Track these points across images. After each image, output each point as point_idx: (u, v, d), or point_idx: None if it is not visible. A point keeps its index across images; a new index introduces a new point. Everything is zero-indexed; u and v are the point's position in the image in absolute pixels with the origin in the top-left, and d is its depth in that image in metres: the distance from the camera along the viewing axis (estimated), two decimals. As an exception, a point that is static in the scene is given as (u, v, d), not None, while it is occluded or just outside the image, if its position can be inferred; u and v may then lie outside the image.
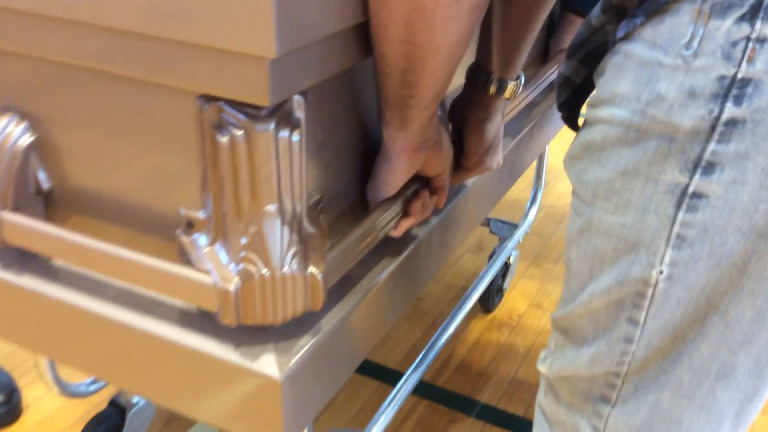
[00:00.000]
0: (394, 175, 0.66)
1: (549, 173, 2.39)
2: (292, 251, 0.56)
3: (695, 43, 0.48)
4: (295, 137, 0.54)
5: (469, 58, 0.81)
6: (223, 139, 0.53)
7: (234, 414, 0.60)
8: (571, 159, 0.60)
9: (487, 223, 1.70)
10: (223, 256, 0.56)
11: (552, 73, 1.16)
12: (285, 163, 0.54)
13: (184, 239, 0.59)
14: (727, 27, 0.47)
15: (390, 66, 0.56)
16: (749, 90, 0.47)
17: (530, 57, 1.17)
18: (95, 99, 0.60)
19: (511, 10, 0.75)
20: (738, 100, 0.47)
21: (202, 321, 0.61)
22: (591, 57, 0.58)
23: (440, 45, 0.54)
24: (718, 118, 0.48)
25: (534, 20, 0.76)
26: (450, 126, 0.81)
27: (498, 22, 0.75)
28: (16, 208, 0.64)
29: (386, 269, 0.70)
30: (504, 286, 1.75)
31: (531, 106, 1.15)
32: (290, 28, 0.47)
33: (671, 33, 0.49)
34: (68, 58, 0.57)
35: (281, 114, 0.53)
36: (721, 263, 0.52)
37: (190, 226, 0.59)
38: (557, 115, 1.21)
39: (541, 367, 0.69)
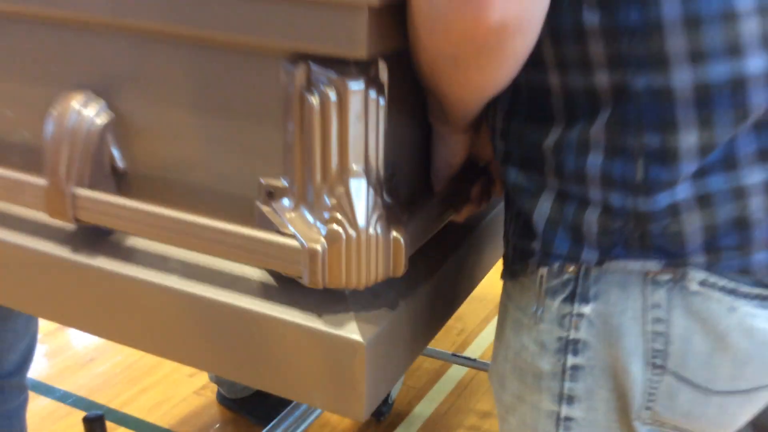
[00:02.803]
0: (449, 155, 0.68)
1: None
2: (376, 214, 0.57)
3: (539, 313, 0.62)
4: (382, 100, 0.55)
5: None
6: (314, 100, 0.54)
7: (308, 384, 0.59)
8: (489, 376, 0.71)
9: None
10: (309, 219, 0.57)
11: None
12: (373, 124, 0.55)
13: (265, 208, 0.59)
14: (556, 305, 0.60)
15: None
16: (580, 346, 0.60)
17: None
18: (170, 69, 0.61)
19: None
20: (575, 353, 0.60)
21: (283, 293, 0.61)
22: None
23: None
24: (564, 365, 0.61)
25: None
26: None
27: None
28: (91, 186, 0.64)
29: (451, 255, 0.71)
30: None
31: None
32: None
33: (527, 301, 0.63)
34: (141, 21, 0.59)
35: (370, 74, 0.55)
36: None
37: (270, 195, 0.60)
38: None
39: None
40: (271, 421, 1.63)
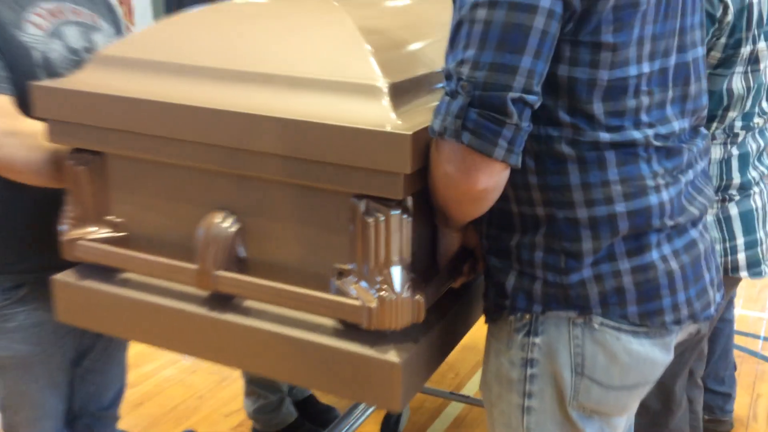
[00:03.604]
0: (448, 245, 1.07)
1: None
2: (407, 285, 0.96)
3: (510, 343, 1.01)
4: (409, 219, 0.95)
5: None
6: (371, 220, 0.94)
7: (365, 389, 0.97)
8: (481, 386, 1.10)
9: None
10: (366, 288, 0.96)
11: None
12: (405, 233, 0.95)
13: (337, 282, 0.98)
14: (520, 338, 0.99)
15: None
16: (534, 362, 0.99)
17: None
18: (277, 199, 1.01)
19: None
20: (531, 366, 0.99)
21: (348, 333, 0.99)
22: None
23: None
24: (526, 374, 1.00)
25: None
26: None
27: None
28: (225, 269, 1.03)
29: (452, 307, 1.10)
30: None
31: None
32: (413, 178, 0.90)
33: (502, 336, 1.03)
34: (267, 175, 0.99)
35: (403, 205, 0.94)
36: None
37: (341, 274, 0.99)
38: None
39: None
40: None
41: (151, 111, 1.03)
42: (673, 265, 0.95)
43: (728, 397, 2.27)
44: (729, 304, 2.20)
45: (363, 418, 2.08)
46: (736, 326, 2.90)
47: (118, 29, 1.45)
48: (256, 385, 2.12)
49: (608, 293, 0.94)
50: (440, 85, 0.91)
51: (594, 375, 0.97)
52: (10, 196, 1.29)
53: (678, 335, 1.01)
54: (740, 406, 2.38)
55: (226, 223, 1.04)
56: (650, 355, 0.97)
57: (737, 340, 2.81)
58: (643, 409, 1.61)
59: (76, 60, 1.31)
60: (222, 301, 1.07)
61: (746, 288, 3.28)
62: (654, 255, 0.94)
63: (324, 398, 2.38)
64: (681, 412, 1.68)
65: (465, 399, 2.25)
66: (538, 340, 0.98)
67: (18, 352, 1.37)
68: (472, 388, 2.50)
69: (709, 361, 2.17)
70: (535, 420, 1.00)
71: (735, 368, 2.29)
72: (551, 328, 0.97)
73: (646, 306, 0.95)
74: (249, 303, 1.06)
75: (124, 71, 1.09)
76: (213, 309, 1.06)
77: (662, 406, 1.62)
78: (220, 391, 2.53)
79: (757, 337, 2.87)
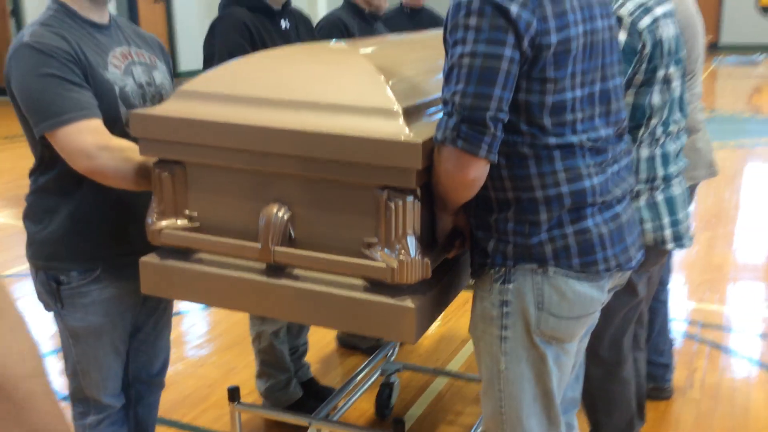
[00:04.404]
0: (445, 226, 1.45)
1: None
2: (418, 251, 1.33)
3: (491, 289, 1.39)
4: (419, 203, 1.33)
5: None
6: (392, 204, 1.31)
7: (389, 329, 1.34)
8: (470, 327, 1.46)
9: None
10: (389, 254, 1.33)
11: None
12: (416, 213, 1.32)
13: (367, 251, 1.35)
14: (498, 285, 1.37)
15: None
16: (508, 302, 1.37)
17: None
18: (321, 193, 1.38)
19: None
20: (506, 306, 1.37)
21: (374, 288, 1.36)
22: None
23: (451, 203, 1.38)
24: (503, 312, 1.38)
25: None
26: None
27: None
28: (281, 245, 1.40)
29: (448, 273, 1.48)
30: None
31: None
32: (426, 157, 1.28)
33: (485, 285, 1.41)
34: (313, 175, 1.36)
35: (415, 194, 1.32)
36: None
37: (369, 245, 1.36)
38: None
39: None
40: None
41: (222, 129, 1.39)
42: (603, 230, 1.35)
43: (667, 367, 2.67)
44: (664, 289, 2.61)
45: (360, 392, 2.44)
46: (682, 315, 3.35)
47: (169, 67, 1.82)
48: (267, 367, 2.46)
49: (559, 250, 1.33)
50: (439, 107, 1.29)
51: (550, 309, 1.35)
52: (91, 199, 1.63)
53: (609, 281, 1.40)
54: (680, 378, 2.79)
55: (280, 212, 1.40)
56: (588, 294, 1.36)
57: (681, 326, 3.25)
58: (599, 360, 2.02)
59: (142, 92, 1.67)
60: (277, 270, 1.43)
61: (690, 285, 3.74)
62: (590, 222, 1.34)
63: (323, 380, 2.73)
64: (629, 366, 2.08)
65: (447, 373, 2.62)
66: (510, 286, 1.36)
67: (91, 323, 1.70)
68: (452, 368, 2.88)
69: (650, 336, 2.58)
70: (510, 346, 1.38)
71: (672, 344, 2.70)
72: (520, 277, 1.36)
73: (585, 258, 1.34)
74: (298, 271, 1.42)
75: (199, 101, 1.45)
76: (270, 276, 1.42)
77: (614, 358, 2.03)
78: (227, 381, 2.86)
79: (696, 323, 3.30)
